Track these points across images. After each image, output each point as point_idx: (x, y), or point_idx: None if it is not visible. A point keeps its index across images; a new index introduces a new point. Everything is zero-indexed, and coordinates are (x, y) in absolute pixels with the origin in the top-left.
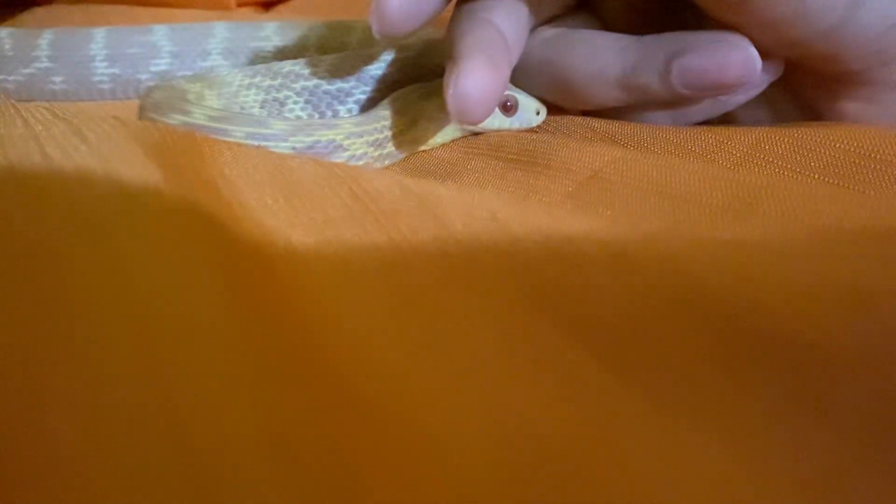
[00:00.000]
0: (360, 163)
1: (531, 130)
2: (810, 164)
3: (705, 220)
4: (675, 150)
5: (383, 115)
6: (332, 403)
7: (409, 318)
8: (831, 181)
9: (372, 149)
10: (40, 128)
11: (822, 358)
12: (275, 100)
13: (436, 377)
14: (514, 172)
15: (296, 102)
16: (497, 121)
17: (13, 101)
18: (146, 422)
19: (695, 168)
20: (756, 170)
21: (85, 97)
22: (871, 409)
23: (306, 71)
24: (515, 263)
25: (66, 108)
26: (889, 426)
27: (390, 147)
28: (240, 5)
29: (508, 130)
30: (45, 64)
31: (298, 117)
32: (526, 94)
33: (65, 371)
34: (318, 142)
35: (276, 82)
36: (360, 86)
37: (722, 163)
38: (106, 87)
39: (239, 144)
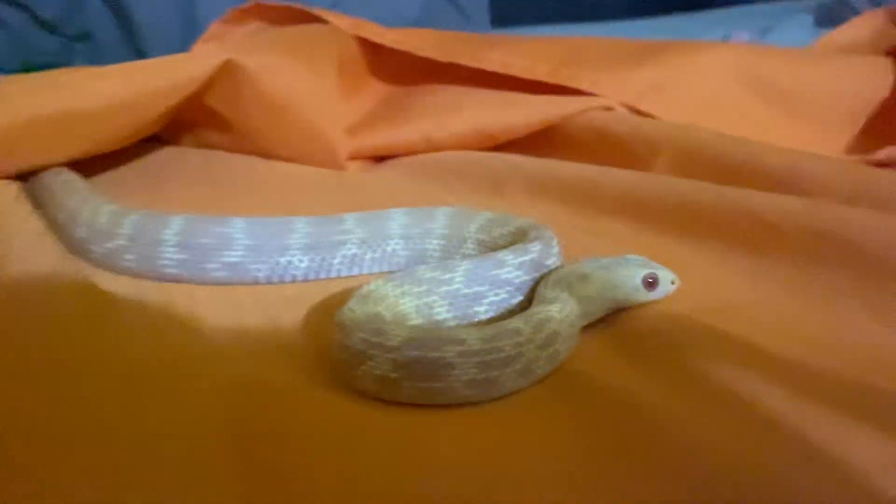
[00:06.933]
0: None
1: None
2: None
3: None
4: None
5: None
6: None
7: None
8: None
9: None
10: None
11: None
12: (425, 304)
13: None
14: None
15: (441, 306)
16: (642, 296)
17: None
18: None
19: None
20: None
21: (151, 277)
22: None
23: (446, 276)
24: None
25: None
26: None
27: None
28: (351, 159)
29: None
30: (122, 242)
31: (445, 319)
32: (663, 267)
33: None
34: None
35: (423, 289)
36: (493, 289)
37: None
38: (172, 271)
39: None
